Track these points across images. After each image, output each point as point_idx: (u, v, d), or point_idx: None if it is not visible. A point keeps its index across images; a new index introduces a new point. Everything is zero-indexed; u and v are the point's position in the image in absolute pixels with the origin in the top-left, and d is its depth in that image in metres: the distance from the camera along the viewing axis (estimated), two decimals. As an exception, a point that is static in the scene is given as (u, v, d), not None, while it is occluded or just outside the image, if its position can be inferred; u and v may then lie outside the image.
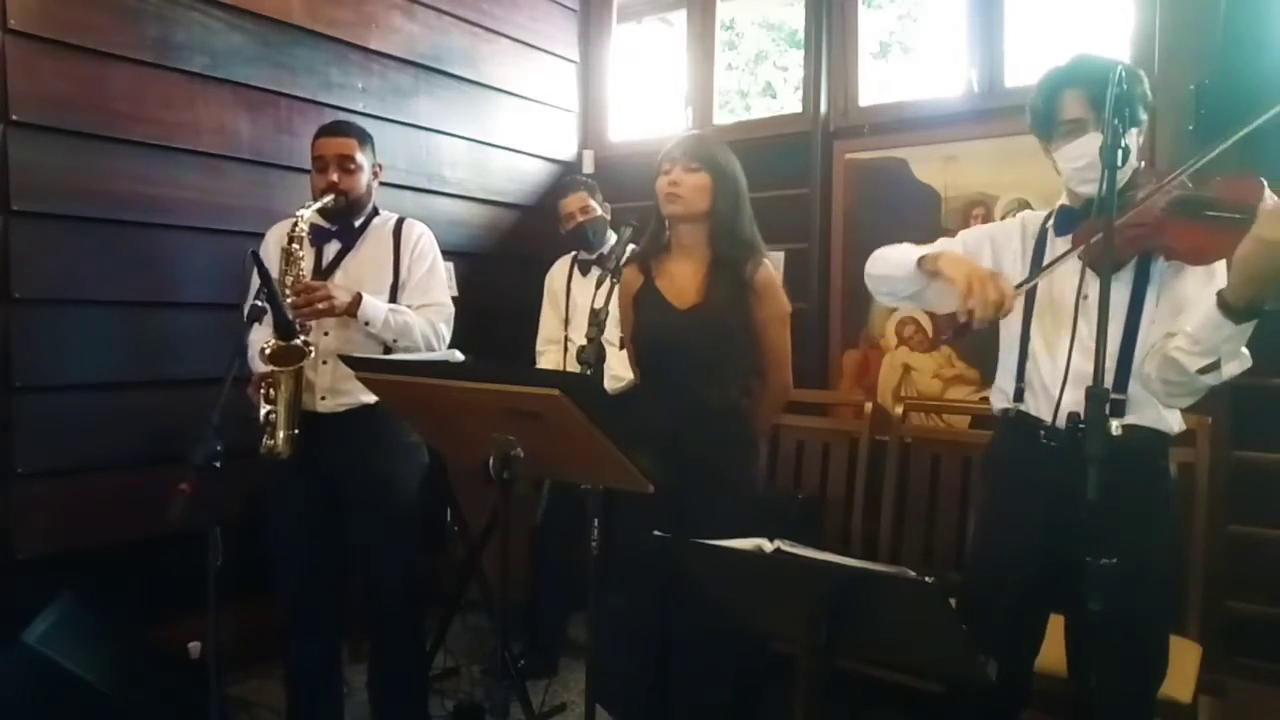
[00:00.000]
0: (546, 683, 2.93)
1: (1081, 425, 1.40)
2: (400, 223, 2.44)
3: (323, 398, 2.28)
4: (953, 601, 1.43)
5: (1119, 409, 1.64)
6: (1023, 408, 1.80)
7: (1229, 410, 2.52)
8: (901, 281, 1.85)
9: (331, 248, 2.37)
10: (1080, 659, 1.79)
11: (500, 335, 3.24)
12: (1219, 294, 1.45)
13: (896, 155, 3.28)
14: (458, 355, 2.41)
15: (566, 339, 3.22)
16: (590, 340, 1.81)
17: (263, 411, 2.17)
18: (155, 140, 2.71)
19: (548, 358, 3.28)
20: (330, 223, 2.36)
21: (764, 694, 2.36)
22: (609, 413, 1.57)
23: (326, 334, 2.29)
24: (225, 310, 2.70)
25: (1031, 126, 1.79)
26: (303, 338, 2.16)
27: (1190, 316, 1.53)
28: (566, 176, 3.68)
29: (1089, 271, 1.66)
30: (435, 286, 2.44)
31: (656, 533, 1.53)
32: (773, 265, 2.20)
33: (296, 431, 2.19)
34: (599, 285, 2.02)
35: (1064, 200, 1.80)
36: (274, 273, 2.21)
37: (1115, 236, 1.38)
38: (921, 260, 1.76)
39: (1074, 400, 1.66)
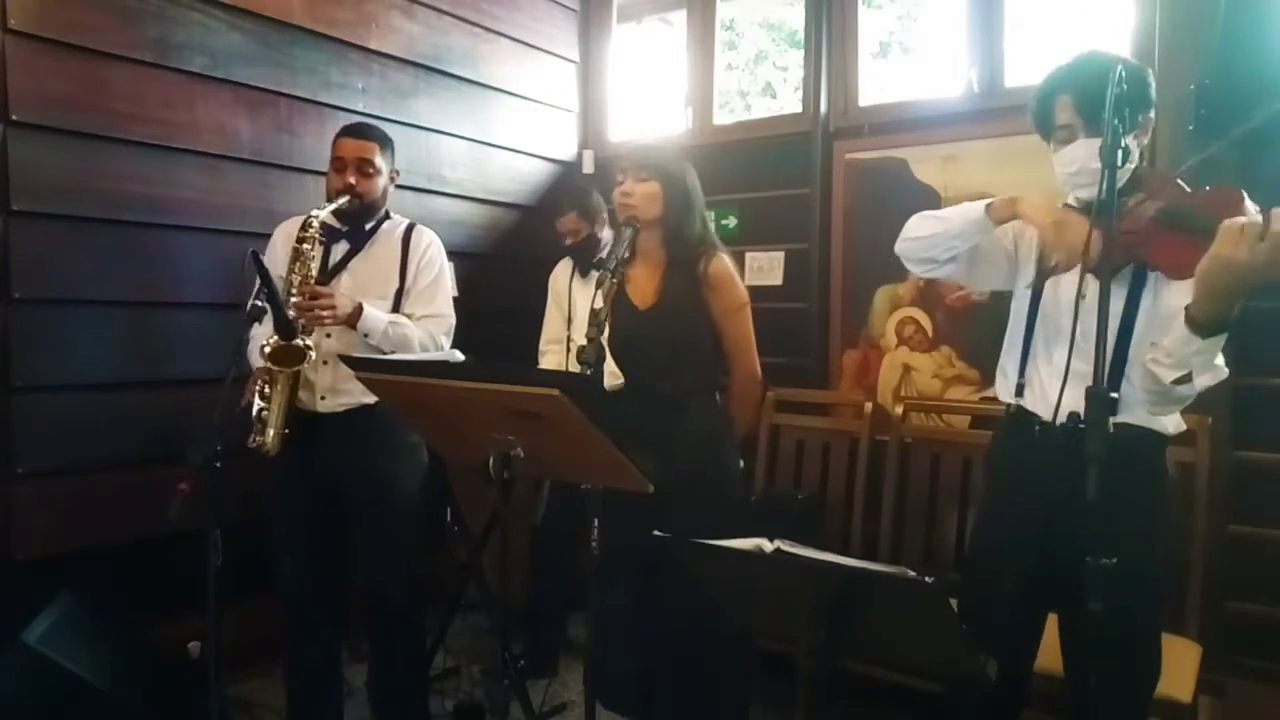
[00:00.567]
0: (546, 683, 2.93)
1: (1082, 424, 1.41)
2: (410, 229, 2.44)
3: (323, 398, 2.28)
4: (953, 601, 1.43)
5: (1112, 407, 1.65)
6: (1023, 403, 1.82)
7: (1229, 410, 2.52)
8: (955, 237, 1.79)
9: (340, 248, 2.37)
10: (1075, 657, 1.80)
11: (500, 335, 3.24)
12: (1186, 309, 1.46)
13: (896, 155, 3.28)
14: (458, 355, 2.42)
15: (569, 339, 3.22)
16: (590, 340, 1.82)
17: (256, 407, 2.17)
18: (155, 140, 2.71)
19: (550, 358, 3.28)
20: (342, 223, 2.36)
21: (753, 692, 2.36)
22: (609, 413, 1.57)
23: (329, 335, 2.29)
24: (225, 310, 2.71)
25: (1032, 126, 1.81)
26: (303, 339, 2.16)
27: (1168, 329, 1.55)
28: (564, 183, 3.68)
29: (1088, 274, 1.67)
30: (439, 297, 2.43)
31: (657, 533, 1.53)
32: (728, 259, 2.24)
33: (287, 431, 2.18)
34: (598, 286, 2.02)
35: (1069, 201, 1.81)
36: (282, 269, 2.22)
37: (1109, 236, 1.37)
38: (991, 206, 1.73)
39: (1071, 400, 1.66)
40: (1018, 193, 1.75)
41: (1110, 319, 1.53)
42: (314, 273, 2.26)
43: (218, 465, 1.79)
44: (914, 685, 2.54)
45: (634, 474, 1.61)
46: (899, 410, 3.08)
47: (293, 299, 2.16)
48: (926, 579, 1.29)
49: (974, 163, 3.10)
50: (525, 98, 3.98)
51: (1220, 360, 1.52)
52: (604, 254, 3.15)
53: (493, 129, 3.83)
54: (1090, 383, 1.34)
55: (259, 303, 2.01)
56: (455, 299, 2.54)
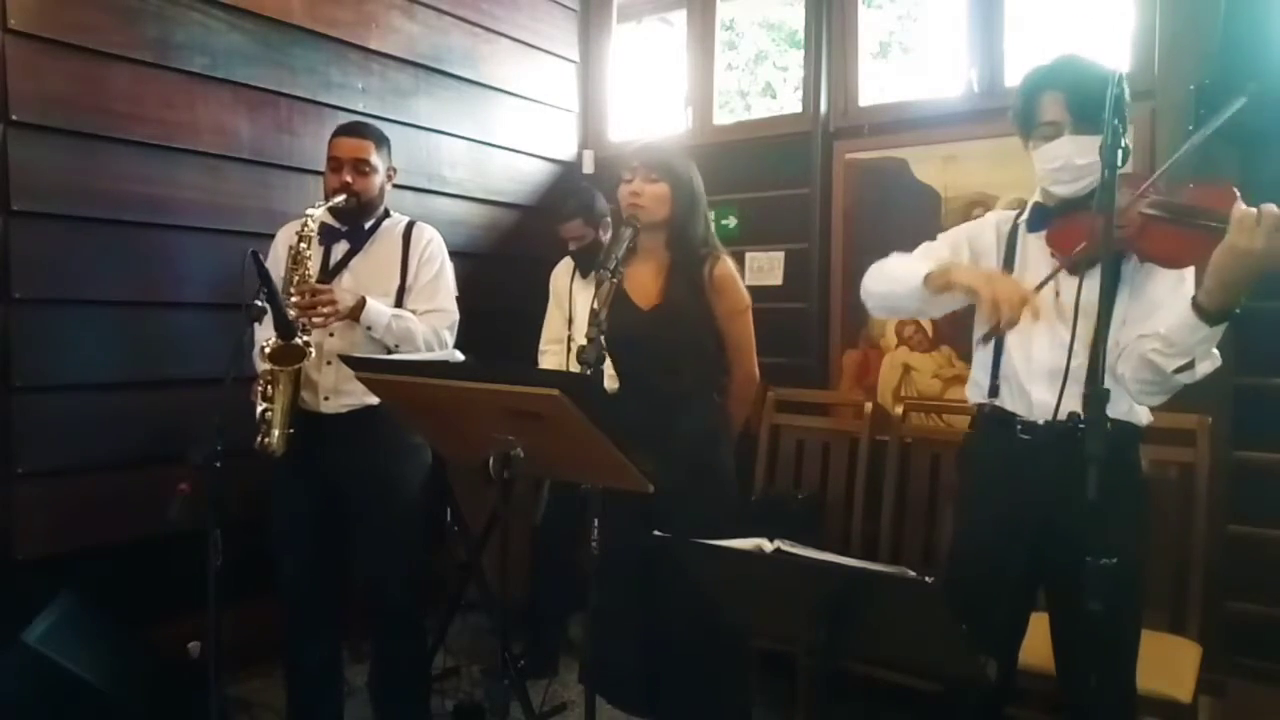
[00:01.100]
0: (546, 683, 2.93)
1: (1082, 424, 1.42)
2: (410, 226, 2.44)
3: (326, 398, 2.29)
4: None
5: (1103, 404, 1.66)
6: (998, 403, 1.82)
7: (1229, 410, 2.52)
8: (905, 298, 1.87)
9: (340, 248, 2.37)
10: (1069, 657, 1.80)
11: (500, 335, 3.23)
12: (1193, 298, 1.51)
13: (896, 155, 3.28)
14: (458, 355, 2.42)
15: (569, 339, 3.22)
16: (590, 340, 1.82)
17: (259, 409, 2.17)
18: (155, 140, 2.71)
19: (550, 358, 3.28)
20: (340, 223, 2.37)
21: (754, 690, 2.36)
22: (609, 413, 1.57)
23: (331, 335, 2.29)
24: (225, 310, 2.70)
25: (1013, 124, 1.82)
26: (303, 338, 2.16)
27: (1163, 319, 1.58)
28: (567, 186, 3.68)
29: (1063, 271, 1.70)
30: (441, 292, 2.44)
31: (657, 533, 1.54)
32: (731, 262, 2.26)
33: (292, 431, 2.19)
34: (598, 286, 2.02)
35: (1037, 198, 1.83)
36: (284, 272, 2.22)
37: (1109, 235, 1.39)
38: (928, 278, 1.78)
39: (1049, 396, 1.69)
40: (930, 250, 1.89)
41: (1085, 314, 1.56)
42: (313, 272, 2.26)
43: (218, 465, 1.79)
44: (914, 685, 2.54)
45: (634, 474, 1.61)
46: (899, 410, 3.08)
47: (292, 299, 2.16)
48: (926, 579, 1.29)
49: (974, 163, 3.10)
50: (525, 98, 3.97)
51: (1215, 350, 1.56)
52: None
53: (493, 129, 3.83)
54: (1074, 382, 1.36)
55: (259, 303, 2.01)
56: (455, 298, 2.54)
